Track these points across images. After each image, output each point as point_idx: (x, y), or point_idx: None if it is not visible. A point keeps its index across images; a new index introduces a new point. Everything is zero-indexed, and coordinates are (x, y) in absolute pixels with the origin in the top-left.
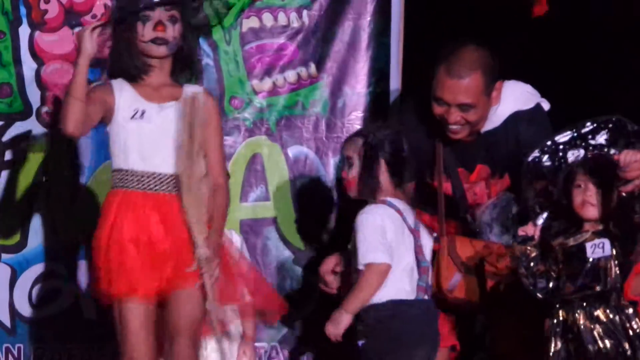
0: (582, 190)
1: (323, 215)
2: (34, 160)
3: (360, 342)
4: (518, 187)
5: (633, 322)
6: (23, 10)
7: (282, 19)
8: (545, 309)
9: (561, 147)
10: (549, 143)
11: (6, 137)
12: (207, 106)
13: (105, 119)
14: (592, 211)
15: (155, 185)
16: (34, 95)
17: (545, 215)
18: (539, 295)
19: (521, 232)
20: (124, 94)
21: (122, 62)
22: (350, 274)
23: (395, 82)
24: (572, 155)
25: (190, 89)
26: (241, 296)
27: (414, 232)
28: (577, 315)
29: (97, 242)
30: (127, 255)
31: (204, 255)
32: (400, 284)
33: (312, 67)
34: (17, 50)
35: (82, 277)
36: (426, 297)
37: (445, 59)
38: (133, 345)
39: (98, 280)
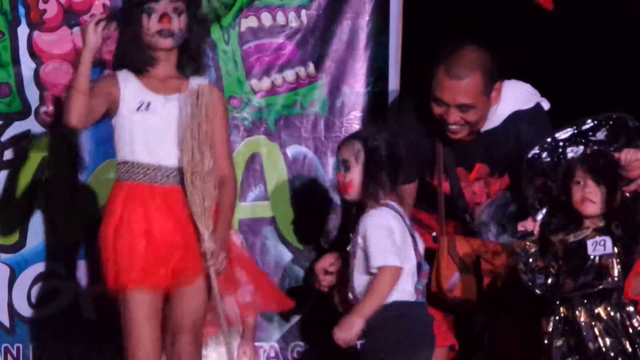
0: (581, 186)
1: (322, 214)
2: (33, 160)
3: (359, 342)
4: (518, 186)
5: (634, 320)
6: (22, 10)
7: (280, 18)
8: (544, 308)
9: (561, 144)
10: (549, 140)
11: (5, 137)
12: (212, 99)
13: (110, 112)
14: (591, 208)
15: (162, 178)
16: (32, 95)
17: (544, 210)
18: (537, 291)
19: (520, 227)
20: (129, 86)
21: (128, 54)
22: (347, 275)
23: (393, 82)
24: (571, 152)
25: (196, 82)
26: (242, 294)
27: (413, 235)
28: (577, 312)
29: (104, 235)
30: (136, 247)
31: (210, 249)
32: (404, 286)
33: (311, 67)
34: (16, 50)
35: (82, 276)
36: (422, 299)
37: (445, 59)
38: (138, 336)
39: (105, 273)
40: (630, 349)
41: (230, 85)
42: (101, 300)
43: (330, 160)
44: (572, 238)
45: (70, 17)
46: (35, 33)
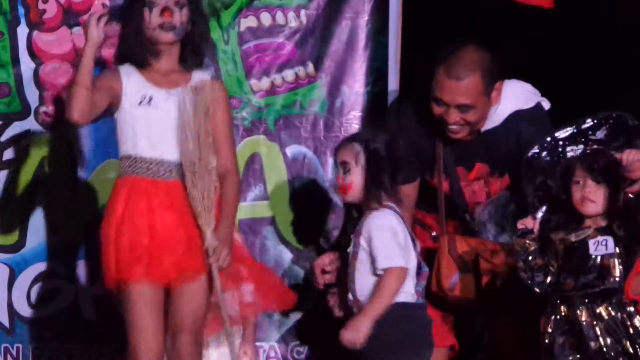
0: (580, 186)
1: (321, 214)
2: (33, 159)
3: None
4: (518, 186)
5: (635, 320)
6: (21, 10)
7: (280, 18)
8: (543, 306)
9: (561, 143)
10: (548, 139)
11: (4, 137)
12: (215, 93)
13: (113, 106)
14: (591, 207)
15: (165, 173)
16: (32, 95)
17: (544, 208)
18: (536, 289)
19: (520, 225)
20: (131, 80)
21: (130, 48)
22: (346, 276)
23: (393, 82)
24: (571, 151)
25: (198, 75)
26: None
27: (412, 236)
28: (578, 311)
29: (106, 228)
30: (140, 241)
31: (212, 246)
32: (406, 287)
33: (310, 67)
34: (16, 49)
35: (82, 276)
36: (422, 301)
37: (445, 59)
38: (141, 327)
39: (106, 266)
40: (631, 349)
41: (229, 85)
42: (101, 300)
43: (330, 160)
44: (573, 237)
45: (70, 17)
46: (35, 33)
